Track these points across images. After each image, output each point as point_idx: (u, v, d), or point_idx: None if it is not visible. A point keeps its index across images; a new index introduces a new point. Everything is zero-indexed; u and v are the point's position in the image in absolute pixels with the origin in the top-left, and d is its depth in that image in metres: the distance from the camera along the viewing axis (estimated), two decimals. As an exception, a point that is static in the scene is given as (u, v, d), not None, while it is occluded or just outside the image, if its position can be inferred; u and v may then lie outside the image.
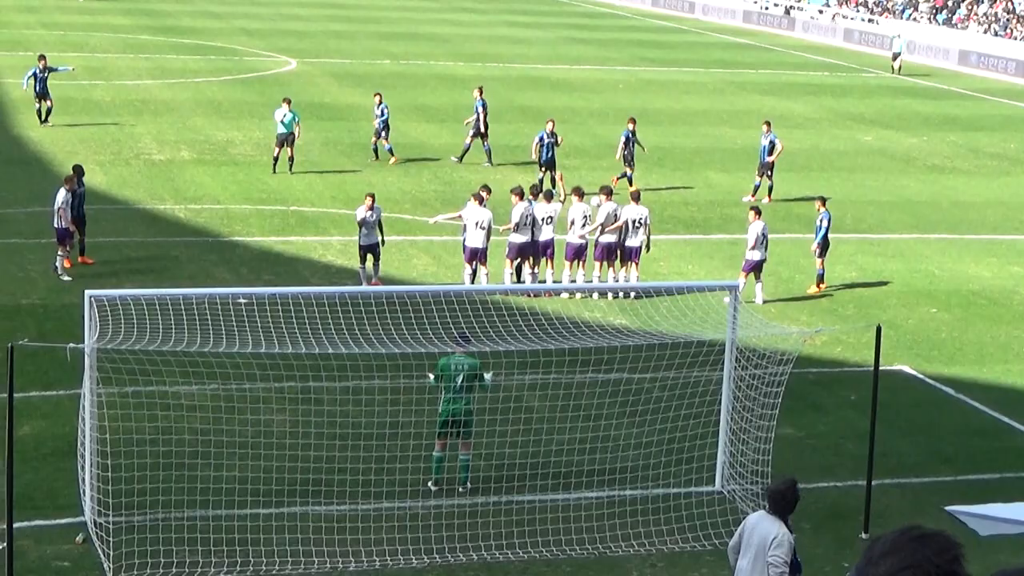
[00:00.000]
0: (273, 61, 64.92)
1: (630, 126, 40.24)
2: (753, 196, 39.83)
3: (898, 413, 23.75)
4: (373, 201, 29.94)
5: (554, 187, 36.11)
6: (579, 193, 30.95)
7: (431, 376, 20.10)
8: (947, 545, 3.48)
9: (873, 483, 19.48)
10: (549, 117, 42.22)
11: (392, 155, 42.81)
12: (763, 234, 29.77)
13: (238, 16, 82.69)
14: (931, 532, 3.50)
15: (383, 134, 42.63)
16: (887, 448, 21.34)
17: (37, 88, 45.83)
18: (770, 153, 39.79)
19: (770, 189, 39.95)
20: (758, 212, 30.48)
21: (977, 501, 20.65)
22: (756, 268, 29.95)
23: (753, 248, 29.81)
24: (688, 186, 41.73)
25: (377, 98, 43.08)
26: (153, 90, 54.97)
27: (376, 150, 42.91)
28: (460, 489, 20.00)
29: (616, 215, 30.25)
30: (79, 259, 30.33)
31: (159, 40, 70.24)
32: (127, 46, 67.12)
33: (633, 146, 40.00)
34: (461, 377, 19.80)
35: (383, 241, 29.93)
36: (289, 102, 40.91)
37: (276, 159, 40.52)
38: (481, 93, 43.90)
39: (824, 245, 31.21)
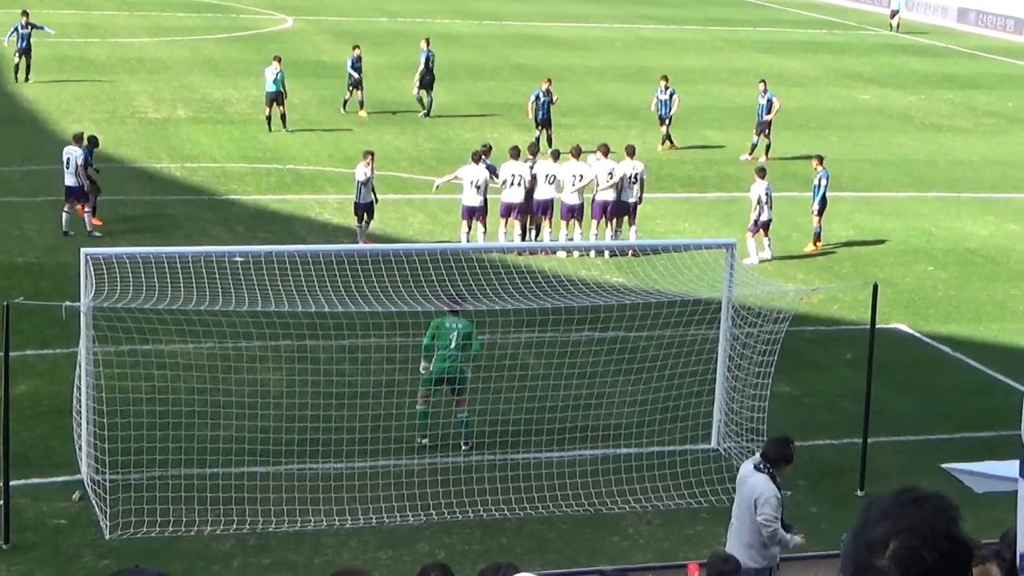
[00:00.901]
0: (270, 19, 64.71)
1: (663, 83, 41.11)
2: (751, 155, 39.82)
3: (894, 371, 23.77)
4: (372, 159, 29.93)
5: (550, 145, 36.06)
6: (576, 152, 30.94)
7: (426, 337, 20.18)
8: (943, 507, 3.50)
9: (869, 441, 19.52)
10: (545, 76, 42.14)
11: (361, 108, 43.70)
12: (767, 193, 29.93)
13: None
14: (927, 494, 3.52)
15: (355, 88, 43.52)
16: (883, 406, 21.36)
17: (20, 44, 45.58)
18: (768, 112, 39.82)
19: (767, 148, 39.93)
20: (762, 172, 30.74)
21: (973, 459, 20.69)
22: (765, 227, 30.09)
23: (757, 207, 29.97)
24: (685, 144, 41.65)
25: (356, 52, 43.60)
26: (149, 48, 54.81)
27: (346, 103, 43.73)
28: (464, 445, 20.03)
29: (611, 172, 30.23)
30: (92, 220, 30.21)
31: (155, -2, 69.99)
32: (122, 3, 66.86)
33: (668, 108, 40.73)
34: (455, 336, 19.85)
35: (376, 200, 29.91)
36: (279, 60, 40.80)
37: (269, 118, 40.44)
38: (428, 44, 44.35)
39: (823, 204, 31.27)
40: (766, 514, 14.36)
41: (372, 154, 30.30)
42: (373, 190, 29.82)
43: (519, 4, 75.17)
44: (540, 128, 39.06)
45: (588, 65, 56.37)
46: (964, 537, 3.49)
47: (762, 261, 29.96)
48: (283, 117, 40.40)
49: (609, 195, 30.22)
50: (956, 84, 56.63)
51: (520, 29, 65.95)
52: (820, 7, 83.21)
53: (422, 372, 20.18)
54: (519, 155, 30.27)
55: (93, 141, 30.93)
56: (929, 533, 3.44)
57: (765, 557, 14.62)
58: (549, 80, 40.21)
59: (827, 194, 31.31)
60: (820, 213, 31.34)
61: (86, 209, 29.76)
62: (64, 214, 29.68)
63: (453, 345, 19.85)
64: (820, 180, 31.20)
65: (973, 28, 76.70)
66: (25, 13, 46.78)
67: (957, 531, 3.48)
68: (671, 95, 40.77)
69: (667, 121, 40.92)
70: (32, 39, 46.00)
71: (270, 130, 40.28)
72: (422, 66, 43.99)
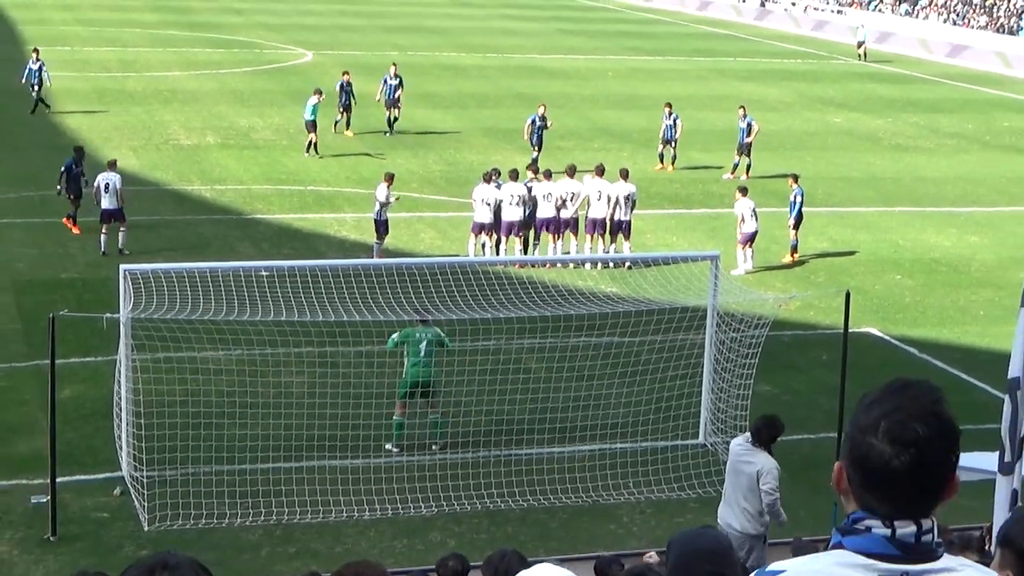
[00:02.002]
0: (291, 53, 64.73)
1: (666, 110, 41.12)
2: (732, 174, 39.83)
3: (866, 371, 23.69)
4: (391, 182, 29.98)
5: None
6: (570, 172, 30.97)
7: (390, 339, 19.90)
8: (930, 390, 3.56)
9: (843, 435, 19.45)
10: (541, 102, 42.17)
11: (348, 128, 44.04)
12: (753, 210, 29.97)
13: (258, 12, 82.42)
14: (914, 380, 3.59)
15: (345, 113, 43.76)
16: (856, 403, 21.28)
17: (34, 80, 45.41)
18: (748, 135, 39.90)
19: (748, 167, 39.96)
20: (744, 191, 30.81)
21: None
22: (750, 239, 30.14)
23: (743, 222, 30.03)
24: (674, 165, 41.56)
25: (346, 77, 44.03)
26: (181, 81, 54.81)
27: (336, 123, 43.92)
28: (435, 447, 19.85)
29: (600, 192, 30.24)
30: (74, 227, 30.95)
31: (186, 35, 70.03)
32: (156, 40, 66.92)
33: (673, 131, 40.78)
34: (424, 344, 19.67)
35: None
36: (320, 93, 40.72)
37: (309, 143, 40.35)
38: (395, 69, 45.08)
39: (799, 218, 31.28)
40: (770, 484, 14.39)
41: (392, 176, 30.43)
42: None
43: (519, 38, 75.21)
44: (536, 149, 39.19)
45: (582, 93, 56.35)
46: (951, 417, 3.53)
47: (746, 272, 29.93)
48: (315, 145, 40.24)
49: (599, 212, 30.18)
50: (920, 108, 56.60)
51: (521, 61, 65.95)
52: (794, 39, 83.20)
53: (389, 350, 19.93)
54: (518, 177, 30.29)
55: (80, 151, 31.56)
56: (917, 410, 3.50)
57: (763, 525, 14.67)
58: (544, 105, 40.32)
59: (803, 209, 31.30)
60: (796, 227, 31.34)
61: (122, 228, 29.72)
62: (102, 236, 29.63)
63: (423, 353, 19.67)
64: (796, 197, 31.22)
65: (935, 57, 76.61)
66: (36, 51, 46.67)
67: (943, 410, 3.53)
68: (675, 120, 40.82)
69: (673, 144, 40.97)
70: (45, 73, 45.65)
71: (314, 154, 40.07)
72: (387, 89, 44.62)
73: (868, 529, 3.53)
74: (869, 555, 3.51)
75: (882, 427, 3.50)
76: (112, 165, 30.66)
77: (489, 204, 29.54)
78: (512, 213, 29.79)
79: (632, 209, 30.59)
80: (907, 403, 3.53)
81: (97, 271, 27.97)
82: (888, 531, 3.51)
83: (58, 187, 31.10)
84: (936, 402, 3.54)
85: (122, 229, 29.68)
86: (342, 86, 43.52)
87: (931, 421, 3.50)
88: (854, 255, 32.43)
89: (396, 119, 44.74)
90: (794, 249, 31.48)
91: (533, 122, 39.48)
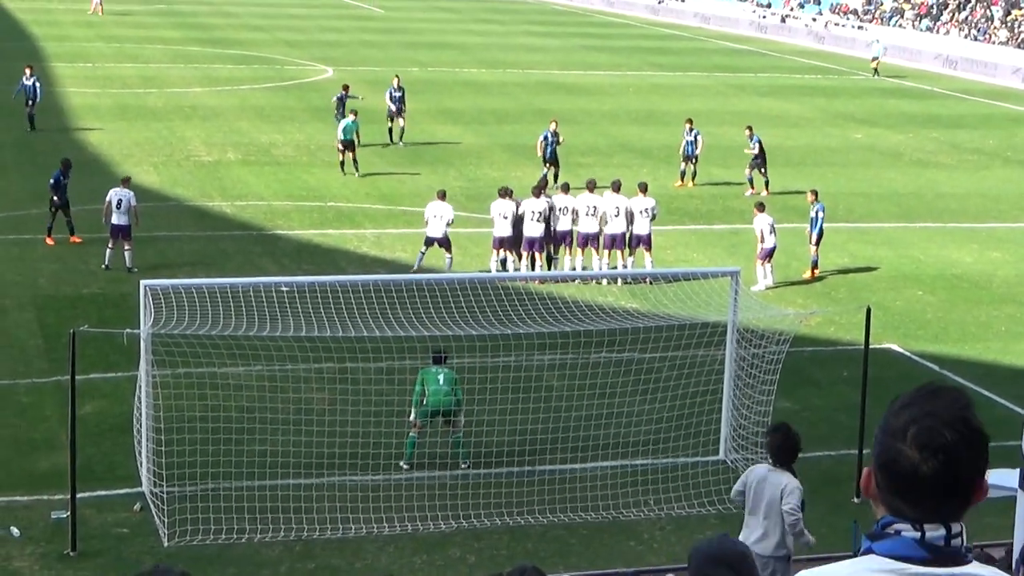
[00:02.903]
0: (312, 69, 64.90)
1: (687, 126, 41.28)
2: (753, 190, 39.83)
3: (887, 388, 23.54)
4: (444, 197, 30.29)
5: (556, 181, 36.26)
6: (591, 185, 31.06)
7: (415, 392, 19.84)
8: (959, 396, 3.60)
9: (864, 452, 19.42)
10: (552, 117, 42.24)
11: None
12: (771, 225, 29.93)
13: (279, 28, 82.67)
14: (944, 387, 3.63)
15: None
16: (877, 420, 21.10)
17: (28, 95, 45.50)
18: (759, 152, 40.05)
19: (767, 183, 40.01)
20: (761, 207, 30.76)
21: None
22: (769, 255, 30.09)
23: (762, 240, 29.96)
24: (695, 181, 41.55)
25: (344, 91, 44.88)
26: (202, 97, 54.99)
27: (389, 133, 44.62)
28: (463, 465, 19.81)
29: (617, 207, 30.27)
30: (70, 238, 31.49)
31: (207, 51, 70.27)
32: (178, 57, 67.15)
33: (694, 148, 40.92)
34: (443, 377, 19.60)
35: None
36: (356, 113, 40.82)
37: (343, 162, 40.38)
38: (399, 81, 46.31)
39: (820, 234, 31.26)
40: (792, 504, 14.24)
41: (444, 192, 30.65)
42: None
43: (539, 54, 75.29)
44: (548, 165, 39.30)
45: (602, 109, 56.37)
46: (979, 423, 3.57)
47: (767, 288, 29.87)
48: (355, 162, 40.18)
49: (618, 228, 30.19)
50: (941, 124, 56.50)
51: (540, 77, 66.01)
52: (815, 55, 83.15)
53: (411, 421, 19.89)
54: (540, 194, 30.36)
55: (67, 163, 31.84)
56: (947, 416, 3.53)
57: (787, 546, 14.50)
58: (556, 121, 40.43)
59: (823, 225, 31.27)
60: (818, 243, 31.30)
61: (127, 246, 29.72)
62: (108, 250, 29.72)
63: (443, 382, 19.64)
64: (817, 213, 31.15)
65: (956, 72, 76.46)
66: (30, 67, 46.79)
67: (972, 417, 3.57)
68: (696, 136, 40.86)
69: (694, 160, 41.01)
70: (39, 89, 45.73)
71: (343, 173, 40.10)
72: (391, 101, 45.70)
73: (897, 533, 3.55)
74: (899, 559, 3.53)
75: (911, 432, 3.53)
76: (126, 182, 30.77)
77: (507, 218, 29.62)
78: (533, 229, 29.81)
79: (652, 222, 30.57)
80: (936, 409, 3.55)
81: (118, 287, 28.04)
82: (917, 534, 3.53)
83: (52, 198, 31.41)
84: (965, 408, 3.57)
85: (127, 248, 29.69)
86: (340, 99, 44.08)
87: (959, 427, 3.53)
88: (875, 271, 32.35)
89: (403, 129, 45.23)
90: (815, 265, 31.42)
91: (545, 138, 39.55)
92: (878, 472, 3.59)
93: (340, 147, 40.33)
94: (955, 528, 3.55)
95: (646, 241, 30.36)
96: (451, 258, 29.68)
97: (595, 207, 30.25)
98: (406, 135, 45.67)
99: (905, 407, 3.58)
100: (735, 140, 48.73)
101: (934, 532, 3.53)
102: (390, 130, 45.72)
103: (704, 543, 5.58)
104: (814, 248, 31.30)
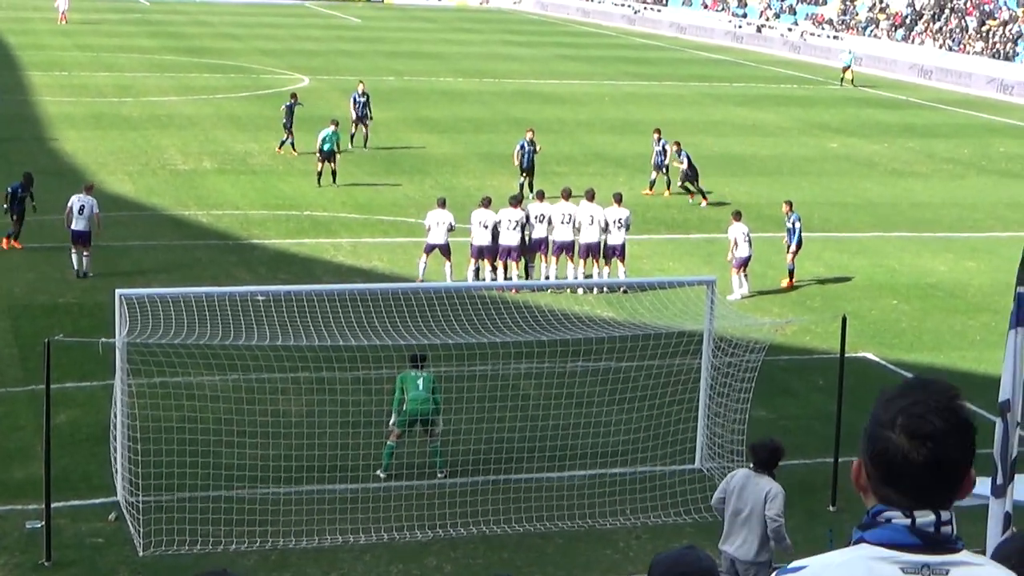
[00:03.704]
0: (288, 78, 64.85)
1: (655, 135, 41.30)
2: (706, 201, 39.61)
3: (862, 396, 23.60)
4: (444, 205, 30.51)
5: (531, 190, 36.29)
6: (565, 195, 31.07)
7: (395, 398, 19.84)
8: (948, 387, 3.69)
9: (840, 460, 19.48)
10: (529, 127, 42.27)
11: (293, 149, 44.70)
12: (746, 235, 29.91)
13: (255, 37, 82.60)
14: (931, 379, 3.74)
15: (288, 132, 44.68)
16: (852, 428, 21.23)
17: None
18: (666, 156, 40.46)
19: (703, 194, 40.01)
20: (738, 215, 30.78)
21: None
22: (744, 264, 30.14)
23: (736, 247, 30.03)
24: (668, 189, 41.63)
25: (293, 99, 45.10)
26: (178, 106, 54.90)
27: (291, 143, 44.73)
28: (439, 475, 19.79)
29: (592, 216, 30.29)
30: (15, 244, 31.88)
31: (183, 60, 70.17)
32: (153, 66, 67.05)
33: (663, 158, 40.92)
34: (422, 381, 19.59)
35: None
36: (336, 123, 40.79)
37: (320, 173, 40.15)
38: (363, 87, 47.15)
39: (799, 244, 31.30)
40: (777, 509, 14.30)
41: (444, 200, 30.89)
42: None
43: (515, 63, 75.37)
44: (524, 175, 39.31)
45: (578, 118, 56.46)
46: (967, 414, 3.65)
47: (742, 297, 29.93)
48: (334, 173, 40.06)
49: (592, 237, 30.20)
50: (916, 134, 56.72)
51: (516, 86, 66.09)
52: (790, 64, 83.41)
53: (389, 428, 19.84)
54: (518, 204, 30.41)
55: (29, 177, 32.22)
56: (935, 405, 3.62)
57: (768, 551, 14.57)
58: (532, 130, 40.47)
59: (802, 235, 31.34)
60: (796, 252, 31.36)
61: (85, 252, 29.70)
62: (72, 255, 29.72)
63: (421, 388, 19.60)
64: (794, 223, 31.20)
65: (931, 82, 76.79)
66: None
67: (960, 405, 3.65)
68: (664, 146, 40.88)
69: (665, 170, 40.93)
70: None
71: (319, 185, 39.94)
72: (355, 106, 46.42)
73: (888, 520, 3.61)
74: (890, 546, 3.59)
75: (899, 421, 3.60)
76: (88, 189, 30.96)
77: (487, 227, 29.62)
78: (509, 238, 29.83)
79: (626, 232, 30.61)
80: (925, 398, 3.63)
81: (93, 295, 27.95)
82: (908, 520, 3.60)
83: (4, 206, 31.75)
84: (953, 398, 3.66)
85: (85, 254, 29.65)
86: (288, 108, 44.47)
87: (948, 416, 3.61)
88: (850, 280, 32.45)
89: (367, 135, 46.03)
90: (791, 274, 31.50)
91: (522, 147, 39.55)
92: (868, 462, 3.66)
93: (319, 157, 40.14)
94: (944, 515, 3.62)
95: (620, 252, 30.37)
96: (451, 265, 29.70)
97: (570, 215, 30.29)
98: (372, 141, 46.02)
99: (894, 399, 3.66)
100: (711, 149, 48.93)
101: (924, 518, 3.59)
102: (353, 136, 46.20)
103: (665, 555, 5.52)
104: (790, 256, 31.37)
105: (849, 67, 73.23)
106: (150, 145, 45.83)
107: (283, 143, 44.91)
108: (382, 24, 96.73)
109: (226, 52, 74.28)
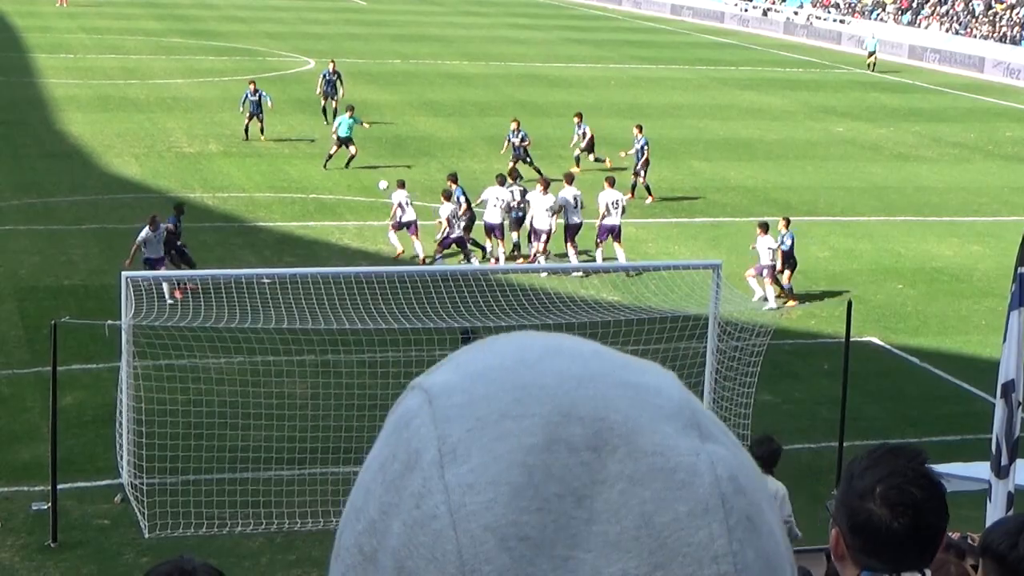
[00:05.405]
0: (293, 61, 64.78)
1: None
2: (652, 198, 37.21)
3: (867, 380, 23.73)
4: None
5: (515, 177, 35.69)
6: (569, 178, 31.21)
7: None
8: (916, 453, 3.82)
9: (844, 444, 19.47)
10: (513, 117, 41.21)
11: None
12: (770, 249, 28.03)
13: (261, 20, 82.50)
14: (900, 445, 3.89)
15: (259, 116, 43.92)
16: (857, 413, 21.33)
17: None
18: (642, 154, 36.91)
19: (648, 188, 37.27)
20: (765, 228, 28.47)
21: (940, 461, 20.57)
22: (771, 272, 28.28)
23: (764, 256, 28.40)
24: (674, 174, 41.63)
25: (252, 86, 44.05)
26: (184, 88, 54.87)
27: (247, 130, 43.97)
28: None
29: (576, 198, 30.61)
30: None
31: (189, 43, 70.11)
32: (159, 48, 66.99)
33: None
34: None
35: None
36: (352, 109, 40.65)
37: (331, 156, 39.97)
38: (334, 66, 47.57)
39: (792, 265, 28.75)
40: (787, 511, 14.37)
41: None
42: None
43: (521, 46, 75.24)
44: (514, 161, 38.75)
45: (584, 101, 56.28)
46: (937, 478, 3.81)
47: (778, 307, 28.05)
48: (351, 159, 39.73)
49: (577, 219, 30.37)
50: (922, 118, 56.62)
51: (523, 69, 65.97)
52: (797, 48, 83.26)
53: None
54: (504, 182, 31.10)
55: (180, 209, 28.85)
56: (911, 474, 3.73)
57: None
58: (517, 121, 39.64)
59: (793, 251, 28.72)
60: (791, 271, 28.73)
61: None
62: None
63: None
64: (784, 240, 28.49)
65: (937, 66, 76.64)
66: None
67: (930, 471, 3.80)
68: (584, 131, 40.04)
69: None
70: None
71: (325, 168, 39.77)
72: (324, 86, 46.69)
73: None
74: None
75: (878, 492, 3.71)
76: (153, 222, 26.88)
77: (497, 205, 30.24)
78: (493, 215, 30.34)
79: (621, 215, 30.58)
80: (899, 467, 3.74)
81: (100, 278, 27.97)
82: None
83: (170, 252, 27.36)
84: (923, 463, 3.79)
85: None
86: (248, 95, 43.64)
87: (924, 484, 3.74)
88: (856, 264, 32.42)
89: (336, 111, 44.73)
90: (791, 293, 28.79)
91: (509, 139, 39.02)
92: (848, 534, 3.78)
93: (335, 141, 39.99)
94: (928, 573, 3.74)
95: (616, 233, 30.34)
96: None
97: (576, 198, 30.40)
98: (364, 120, 45.82)
99: (868, 469, 3.77)
100: (717, 133, 48.88)
101: None
102: (324, 109, 46.49)
103: None
104: (787, 274, 28.71)
105: (874, 52, 72.97)
106: (156, 128, 45.81)
107: (247, 128, 43.74)
108: (388, 7, 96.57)
109: (232, 35, 74.19)
